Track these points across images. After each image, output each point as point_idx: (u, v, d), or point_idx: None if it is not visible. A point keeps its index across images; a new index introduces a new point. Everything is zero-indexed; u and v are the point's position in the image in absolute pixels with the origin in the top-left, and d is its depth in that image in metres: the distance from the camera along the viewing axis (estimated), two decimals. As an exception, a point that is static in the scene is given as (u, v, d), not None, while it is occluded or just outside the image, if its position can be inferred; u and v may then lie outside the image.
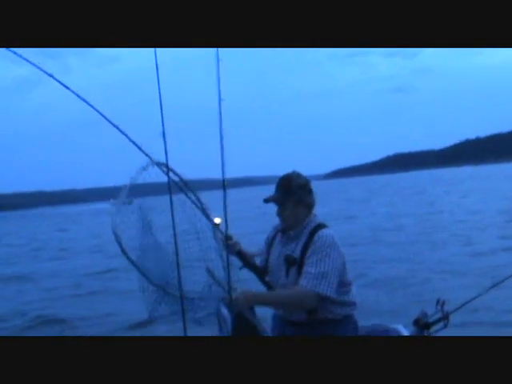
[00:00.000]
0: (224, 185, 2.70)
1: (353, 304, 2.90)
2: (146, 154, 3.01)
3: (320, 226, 2.85)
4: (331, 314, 2.80)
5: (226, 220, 2.85)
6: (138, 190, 2.97)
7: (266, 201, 2.91)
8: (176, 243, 2.82)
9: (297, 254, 2.81)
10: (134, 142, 3.00)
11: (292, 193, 2.85)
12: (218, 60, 2.72)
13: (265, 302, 2.79)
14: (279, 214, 2.93)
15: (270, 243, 3.06)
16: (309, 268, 2.70)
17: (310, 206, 2.91)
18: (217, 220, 2.89)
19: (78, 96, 2.93)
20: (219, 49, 2.65)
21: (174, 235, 2.82)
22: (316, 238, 2.77)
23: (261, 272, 2.97)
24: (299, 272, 2.76)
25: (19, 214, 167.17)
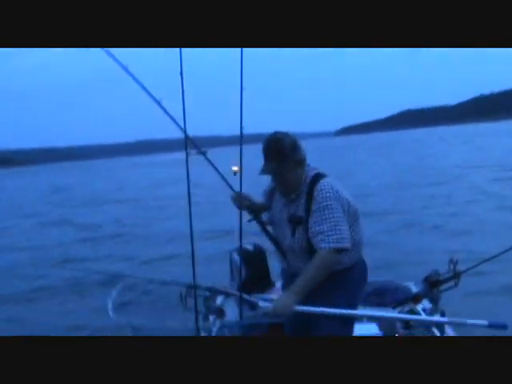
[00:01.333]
0: (241, 139, 2.79)
1: (359, 247, 2.83)
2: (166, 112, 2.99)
3: (317, 178, 2.76)
4: (339, 264, 2.74)
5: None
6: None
7: (263, 173, 2.76)
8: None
9: (300, 212, 2.76)
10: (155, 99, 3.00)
11: (287, 157, 2.71)
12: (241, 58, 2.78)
13: (303, 292, 2.64)
14: (278, 182, 2.83)
15: (270, 196, 3.00)
16: (318, 227, 2.66)
17: (304, 162, 2.80)
18: (235, 168, 2.98)
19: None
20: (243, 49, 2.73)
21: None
22: (315, 193, 2.70)
23: (267, 230, 2.97)
24: (306, 229, 2.73)
25: (48, 167, 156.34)
